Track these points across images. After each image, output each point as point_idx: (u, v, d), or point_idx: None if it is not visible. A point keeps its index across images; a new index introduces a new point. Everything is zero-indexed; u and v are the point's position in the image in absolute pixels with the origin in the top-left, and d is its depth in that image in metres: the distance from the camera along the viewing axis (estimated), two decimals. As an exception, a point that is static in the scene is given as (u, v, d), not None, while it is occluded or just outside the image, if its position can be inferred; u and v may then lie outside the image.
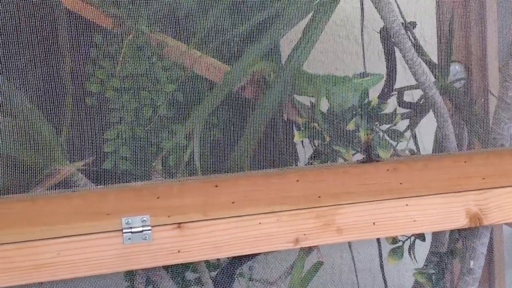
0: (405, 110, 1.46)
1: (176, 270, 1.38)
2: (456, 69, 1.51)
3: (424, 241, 1.43)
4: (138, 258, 1.18)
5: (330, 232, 1.26)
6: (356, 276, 1.58)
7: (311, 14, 1.35)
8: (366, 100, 1.34)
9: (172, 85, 1.34)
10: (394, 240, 1.41)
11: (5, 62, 1.21)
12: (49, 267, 1.15)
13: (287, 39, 1.40)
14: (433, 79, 1.41)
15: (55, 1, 1.26)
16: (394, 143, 1.36)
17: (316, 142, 1.38)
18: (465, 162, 1.30)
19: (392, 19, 1.28)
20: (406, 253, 1.42)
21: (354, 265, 1.55)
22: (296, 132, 1.38)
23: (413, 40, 1.40)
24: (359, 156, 1.33)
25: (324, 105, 1.37)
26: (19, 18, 1.22)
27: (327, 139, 1.34)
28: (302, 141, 1.39)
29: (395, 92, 1.46)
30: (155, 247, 1.19)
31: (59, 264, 1.15)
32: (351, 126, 1.33)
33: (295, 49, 1.37)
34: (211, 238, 1.21)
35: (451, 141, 1.37)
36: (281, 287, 1.40)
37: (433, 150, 1.45)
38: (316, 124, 1.35)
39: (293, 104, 1.39)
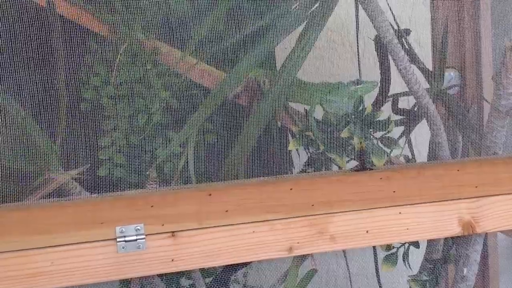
0: (399, 117, 1.47)
1: (171, 277, 1.38)
2: (450, 75, 1.51)
3: (418, 248, 1.43)
4: (132, 266, 1.19)
5: (324, 240, 1.26)
6: (351, 284, 1.58)
7: (305, 22, 1.35)
8: (361, 107, 1.34)
9: (167, 92, 1.35)
10: (388, 247, 1.41)
11: (-1, 69, 1.21)
12: (44, 276, 1.15)
13: (281, 46, 1.39)
14: (426, 87, 1.41)
15: (50, 7, 1.26)
16: (388, 150, 1.36)
17: (310, 149, 1.38)
18: (458, 170, 1.30)
19: (385, 28, 1.28)
20: (400, 260, 1.42)
21: (349, 272, 1.55)
22: (290, 141, 1.38)
23: (407, 47, 1.40)
24: (354, 163, 1.33)
25: (318, 113, 1.37)
26: (13, 24, 1.22)
27: (322, 147, 1.34)
28: (297, 149, 1.39)
29: (390, 99, 1.46)
30: (149, 256, 1.19)
31: (54, 273, 1.16)
32: (345, 134, 1.33)
33: (289, 56, 1.36)
34: (205, 247, 1.21)
35: (444, 149, 1.37)
36: (276, 294, 1.41)
37: (428, 157, 1.46)
38: (310, 133, 1.35)
39: (287, 112, 1.40)
